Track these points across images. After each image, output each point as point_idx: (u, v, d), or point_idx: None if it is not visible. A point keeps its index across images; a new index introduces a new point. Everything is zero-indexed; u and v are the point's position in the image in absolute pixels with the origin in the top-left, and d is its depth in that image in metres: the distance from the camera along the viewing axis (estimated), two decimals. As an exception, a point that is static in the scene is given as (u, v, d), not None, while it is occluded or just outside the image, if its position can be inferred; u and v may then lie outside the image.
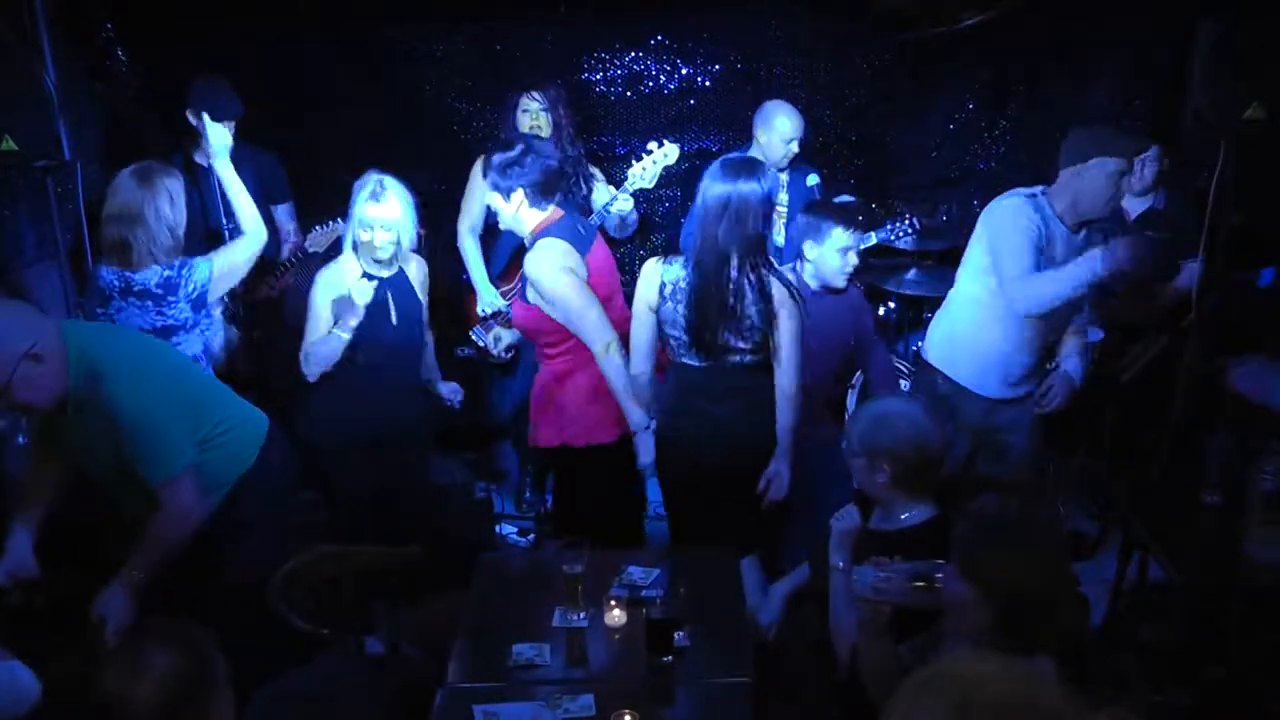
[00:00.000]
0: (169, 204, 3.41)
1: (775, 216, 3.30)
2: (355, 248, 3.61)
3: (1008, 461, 3.78)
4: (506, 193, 3.41)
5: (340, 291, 3.56)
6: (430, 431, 3.98)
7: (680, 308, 3.28)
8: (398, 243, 3.59)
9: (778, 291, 3.22)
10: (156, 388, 2.78)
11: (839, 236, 3.62)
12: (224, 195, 3.97)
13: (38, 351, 2.60)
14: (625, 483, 3.72)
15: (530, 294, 3.44)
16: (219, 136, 3.80)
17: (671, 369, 3.43)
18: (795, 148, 4.51)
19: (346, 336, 3.52)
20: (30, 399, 2.64)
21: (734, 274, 3.20)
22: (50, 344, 2.64)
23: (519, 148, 3.41)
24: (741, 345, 3.26)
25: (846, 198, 4.65)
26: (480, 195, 4.52)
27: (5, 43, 3.80)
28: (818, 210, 3.79)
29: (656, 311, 3.33)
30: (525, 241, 3.50)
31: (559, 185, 3.49)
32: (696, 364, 3.34)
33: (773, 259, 3.30)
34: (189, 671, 1.90)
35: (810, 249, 3.68)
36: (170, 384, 2.85)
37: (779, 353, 3.26)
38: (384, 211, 3.52)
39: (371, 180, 3.53)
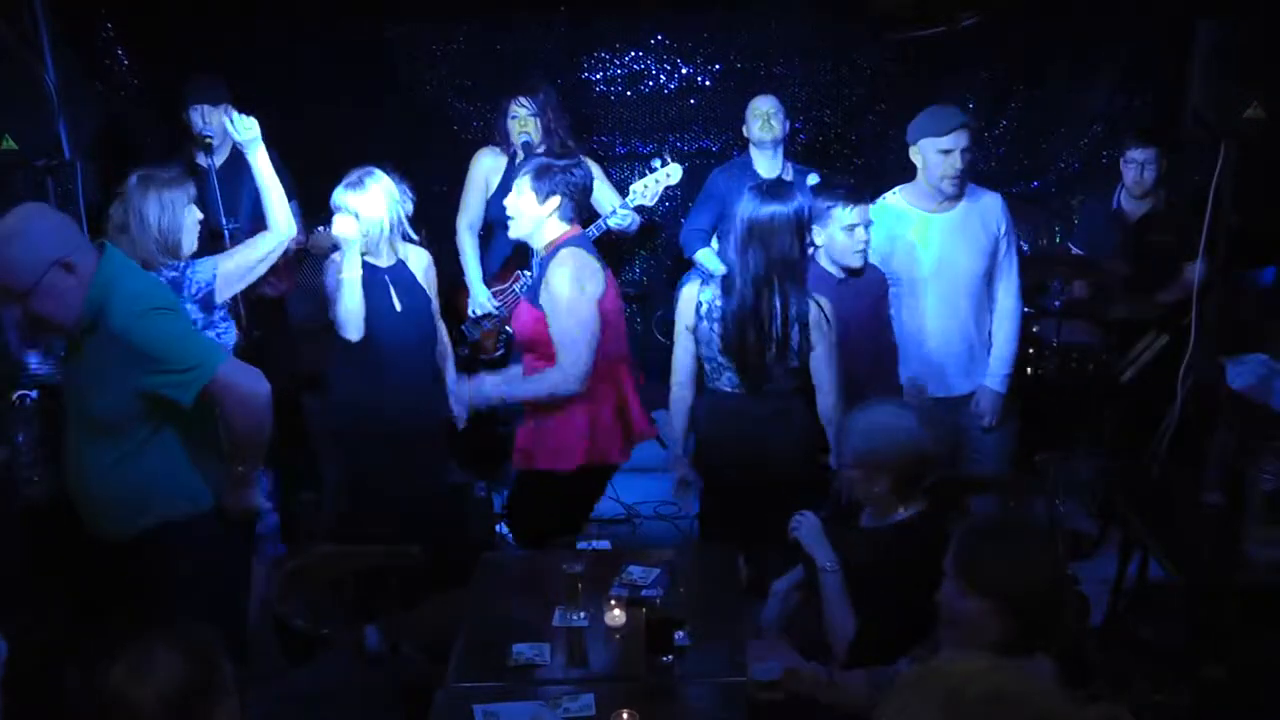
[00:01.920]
0: (158, 211, 3.34)
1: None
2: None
3: (987, 459, 3.79)
4: (545, 195, 3.37)
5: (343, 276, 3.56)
6: (447, 430, 3.94)
7: (716, 327, 3.30)
8: (369, 235, 3.55)
9: (813, 314, 3.25)
10: (166, 301, 2.74)
11: (841, 215, 3.58)
12: (224, 192, 3.99)
13: (71, 261, 2.53)
14: (576, 509, 3.74)
15: (542, 296, 3.39)
16: (246, 129, 3.57)
17: (706, 395, 3.43)
18: (776, 124, 4.50)
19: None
20: (50, 311, 2.56)
21: (771, 299, 3.23)
22: (85, 260, 2.58)
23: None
24: (780, 372, 3.28)
25: (815, 177, 4.61)
26: (480, 191, 4.52)
27: (5, 43, 3.80)
28: (815, 194, 3.77)
29: (694, 331, 3.35)
30: (539, 252, 3.47)
31: (587, 205, 3.49)
32: (730, 389, 3.37)
33: (805, 279, 3.31)
34: (193, 676, 1.89)
35: (818, 234, 3.67)
36: (177, 305, 2.84)
37: (819, 377, 3.29)
38: (358, 201, 3.51)
39: (357, 171, 3.55)
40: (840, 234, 3.61)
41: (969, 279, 3.75)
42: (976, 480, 3.72)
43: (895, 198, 3.81)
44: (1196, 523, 3.29)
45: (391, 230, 3.62)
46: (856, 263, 3.68)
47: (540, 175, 3.38)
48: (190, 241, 3.42)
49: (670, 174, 4.34)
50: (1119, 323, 4.53)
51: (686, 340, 3.39)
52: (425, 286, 3.76)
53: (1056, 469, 4.62)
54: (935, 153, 3.64)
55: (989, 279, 3.80)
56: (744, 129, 4.61)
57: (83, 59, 4.67)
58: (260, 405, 2.71)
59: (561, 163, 3.42)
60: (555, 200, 3.37)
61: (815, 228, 3.67)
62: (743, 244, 3.24)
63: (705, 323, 3.33)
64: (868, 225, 3.63)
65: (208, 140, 4.21)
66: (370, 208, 3.53)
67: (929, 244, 3.74)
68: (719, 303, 3.30)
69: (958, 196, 3.73)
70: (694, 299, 3.36)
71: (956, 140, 3.61)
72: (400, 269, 3.70)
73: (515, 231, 3.49)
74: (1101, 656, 3.39)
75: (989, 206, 3.78)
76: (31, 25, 3.94)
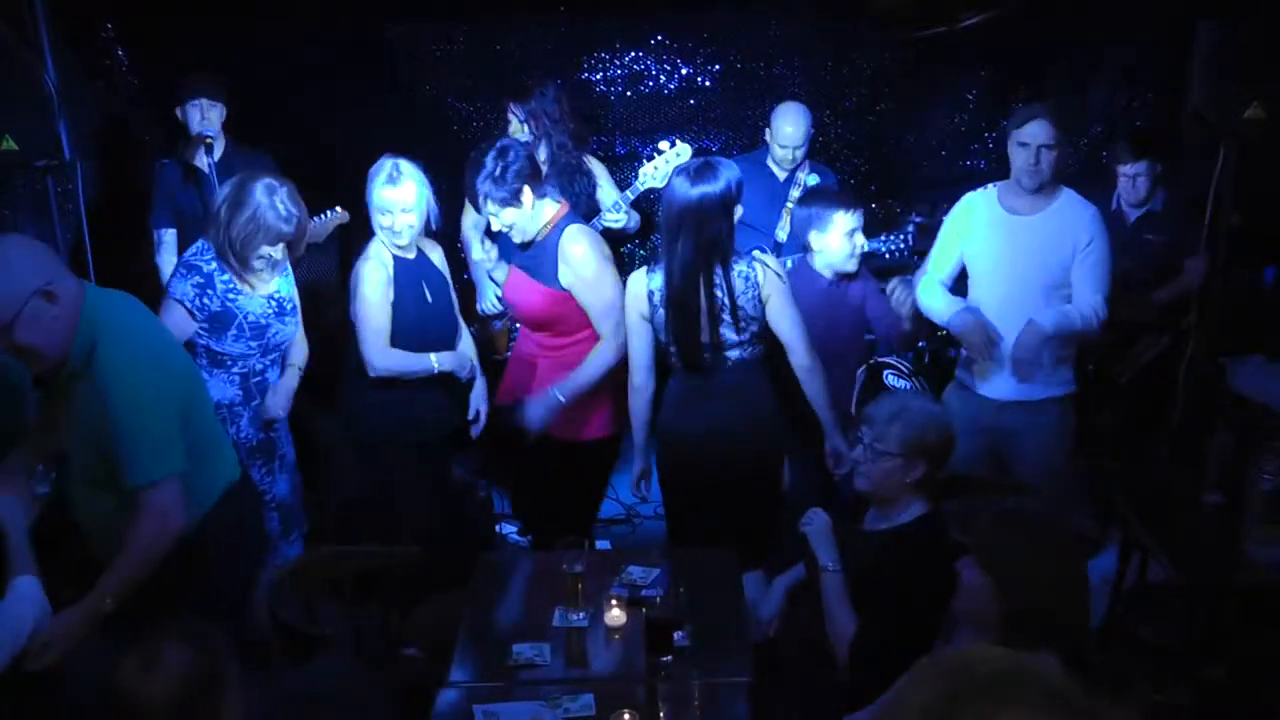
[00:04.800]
0: (264, 214, 3.29)
1: (738, 210, 3.27)
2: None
3: (1017, 469, 3.71)
4: (516, 195, 3.39)
5: (386, 280, 3.53)
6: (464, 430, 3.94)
7: (661, 313, 3.31)
8: (415, 227, 3.56)
9: (761, 274, 3.22)
10: (150, 375, 2.52)
11: (840, 220, 3.62)
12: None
13: (53, 290, 2.41)
14: (597, 481, 3.81)
15: (565, 277, 3.44)
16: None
17: (671, 380, 3.43)
18: (798, 154, 4.45)
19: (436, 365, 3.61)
20: (34, 341, 2.43)
21: (712, 276, 3.20)
22: (67, 289, 2.44)
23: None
24: (737, 339, 3.26)
25: (817, 178, 4.62)
26: None
27: (5, 43, 3.80)
28: (813, 200, 3.80)
29: (650, 320, 3.34)
30: (537, 235, 3.50)
31: (540, 170, 3.49)
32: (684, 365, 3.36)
33: (731, 256, 3.25)
34: (201, 672, 1.89)
35: (815, 239, 3.70)
36: (165, 380, 2.57)
37: (783, 333, 3.27)
38: (401, 194, 3.49)
39: (387, 164, 3.50)
40: (839, 239, 3.63)
41: (1031, 288, 3.55)
42: (982, 483, 3.70)
43: (991, 191, 3.69)
44: (1196, 523, 3.29)
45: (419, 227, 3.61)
46: (852, 267, 3.71)
47: (498, 185, 3.37)
48: (254, 266, 3.36)
49: (680, 154, 4.33)
50: (1119, 323, 4.53)
51: (642, 330, 3.36)
52: (444, 275, 3.77)
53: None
54: (1015, 145, 3.52)
55: (1062, 292, 3.57)
56: (765, 133, 4.56)
57: (83, 59, 4.67)
58: (168, 536, 2.51)
59: (490, 161, 3.37)
60: (525, 192, 3.40)
61: (813, 233, 3.70)
62: (673, 228, 3.20)
63: (660, 310, 3.31)
64: (862, 230, 3.67)
65: (208, 140, 4.21)
66: (411, 197, 3.52)
67: (999, 244, 3.60)
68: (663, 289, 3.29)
69: (1042, 196, 3.56)
70: (644, 288, 3.33)
71: (1033, 134, 3.46)
72: (424, 261, 3.70)
73: (519, 237, 3.53)
74: (1101, 656, 3.39)
75: (1076, 219, 3.55)
76: (31, 25, 3.94)
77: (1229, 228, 3.73)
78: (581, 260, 3.43)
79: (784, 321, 3.27)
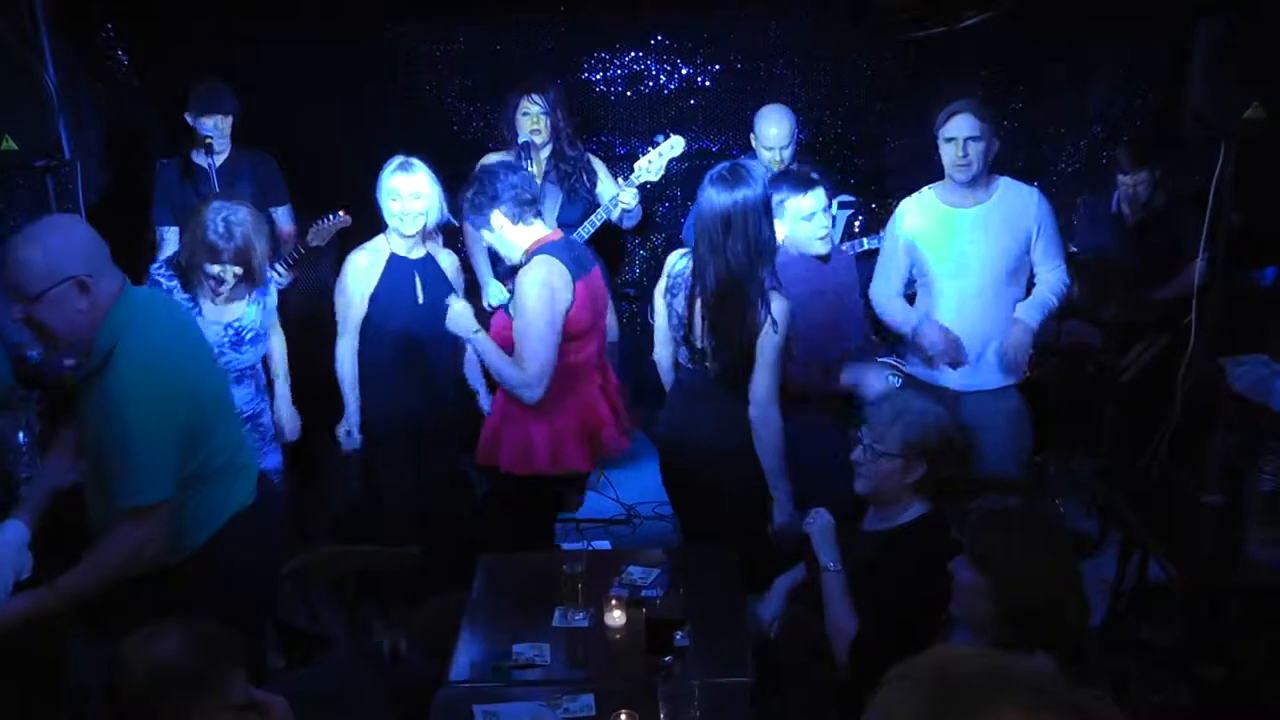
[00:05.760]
0: (243, 240, 3.27)
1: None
2: (385, 226, 3.63)
3: (985, 460, 3.74)
4: (487, 221, 3.33)
5: (371, 270, 3.58)
6: (464, 428, 3.92)
7: (675, 301, 3.28)
8: (425, 216, 3.60)
9: (760, 315, 3.12)
10: (157, 395, 2.45)
11: (796, 205, 3.54)
12: (222, 192, 3.97)
13: (87, 281, 2.40)
14: (550, 513, 3.75)
15: (512, 306, 3.38)
16: None
17: (676, 371, 3.43)
18: (784, 155, 4.40)
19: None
20: (53, 323, 2.42)
21: (746, 289, 3.12)
22: (104, 286, 2.44)
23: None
24: (720, 356, 3.20)
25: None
26: None
27: (5, 43, 3.80)
28: (771, 187, 3.72)
29: (664, 297, 3.34)
30: (521, 260, 3.37)
31: (533, 199, 3.38)
32: (684, 362, 3.34)
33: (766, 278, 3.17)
34: (185, 667, 1.89)
35: (779, 228, 3.63)
36: (173, 400, 2.49)
37: (755, 373, 3.17)
38: (413, 182, 3.53)
39: (399, 157, 3.58)
40: (800, 225, 3.56)
41: (989, 277, 3.65)
42: (980, 481, 3.71)
43: (927, 193, 3.78)
44: (1196, 523, 3.29)
45: (437, 216, 3.65)
46: (823, 249, 3.62)
47: (475, 210, 3.32)
48: (200, 282, 3.34)
49: (674, 145, 4.35)
50: (1119, 323, 4.53)
51: (662, 304, 3.38)
52: (452, 283, 3.77)
53: (1056, 469, 4.63)
54: (942, 143, 3.62)
55: (1018, 277, 3.69)
56: (751, 139, 4.57)
57: (83, 59, 4.67)
58: (137, 561, 2.48)
59: (472, 180, 3.35)
60: (495, 215, 3.30)
61: (775, 222, 3.64)
62: (719, 232, 3.10)
63: (670, 295, 3.30)
64: (825, 210, 3.61)
65: (208, 140, 4.20)
66: (422, 187, 3.57)
67: (949, 239, 3.67)
68: (683, 279, 3.24)
69: (978, 189, 3.66)
70: (672, 266, 3.33)
71: (957, 128, 3.56)
72: (429, 262, 3.72)
73: (505, 259, 3.48)
74: (1101, 656, 3.39)
75: (1020, 203, 3.66)
76: (31, 25, 3.94)
77: (1229, 228, 3.73)
78: (526, 289, 3.26)
79: (760, 368, 3.15)
